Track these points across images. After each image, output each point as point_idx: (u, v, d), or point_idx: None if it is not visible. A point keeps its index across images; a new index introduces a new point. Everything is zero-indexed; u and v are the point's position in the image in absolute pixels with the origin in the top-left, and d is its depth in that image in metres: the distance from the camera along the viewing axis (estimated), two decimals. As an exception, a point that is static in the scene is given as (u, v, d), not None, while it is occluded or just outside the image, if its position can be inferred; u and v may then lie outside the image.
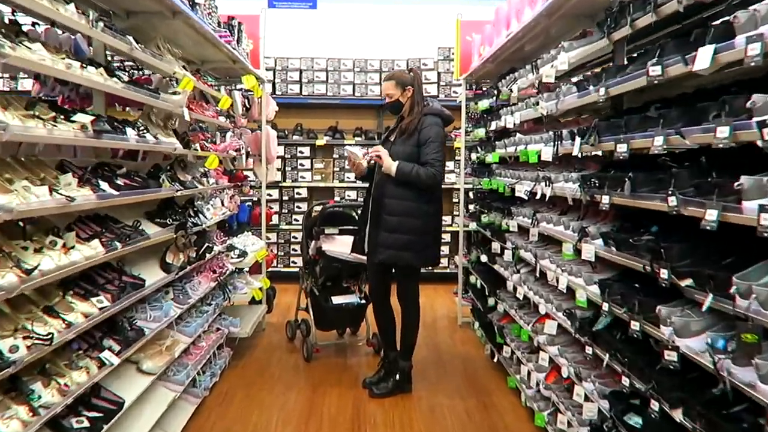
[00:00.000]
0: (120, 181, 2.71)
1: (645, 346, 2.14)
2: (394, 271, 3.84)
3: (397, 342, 3.93)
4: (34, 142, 2.19)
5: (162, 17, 3.21)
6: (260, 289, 4.94)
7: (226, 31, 4.20)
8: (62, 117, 2.18)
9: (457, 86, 6.73)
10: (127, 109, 3.76)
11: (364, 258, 3.94)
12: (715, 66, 1.66)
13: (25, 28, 2.54)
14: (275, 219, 7.21)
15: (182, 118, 3.51)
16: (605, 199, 2.39)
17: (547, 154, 3.15)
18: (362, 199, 4.14)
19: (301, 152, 7.36)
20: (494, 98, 4.62)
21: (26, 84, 5.84)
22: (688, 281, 1.83)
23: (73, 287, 2.34)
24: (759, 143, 1.50)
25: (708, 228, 1.66)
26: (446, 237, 6.99)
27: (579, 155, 2.73)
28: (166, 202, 3.35)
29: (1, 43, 1.73)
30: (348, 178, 7.28)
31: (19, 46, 1.88)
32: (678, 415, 1.87)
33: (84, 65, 2.29)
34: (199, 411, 3.49)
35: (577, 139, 2.69)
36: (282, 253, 7.33)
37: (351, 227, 4.44)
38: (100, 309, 2.32)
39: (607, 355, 2.40)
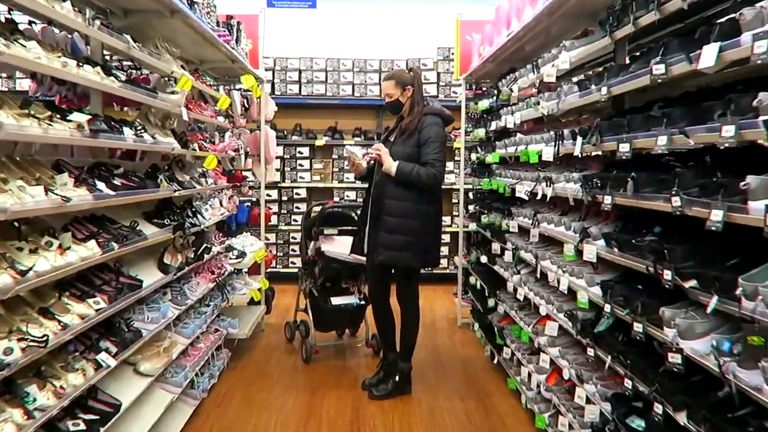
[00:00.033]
0: (117, 181, 2.68)
1: (648, 348, 2.12)
2: (393, 271, 3.81)
3: (397, 343, 3.91)
4: (29, 141, 2.16)
5: (160, 16, 3.18)
6: (259, 289, 4.91)
7: (224, 31, 4.17)
8: (58, 116, 2.15)
9: (457, 86, 6.71)
10: (126, 109, 3.73)
11: (364, 259, 3.92)
12: (721, 64, 1.64)
13: (21, 27, 2.52)
14: (274, 219, 7.18)
15: (180, 118, 3.49)
16: (607, 199, 2.37)
17: (548, 153, 3.12)
18: (361, 200, 4.12)
19: (300, 152, 7.34)
20: (494, 98, 4.60)
21: (24, 84, 5.82)
22: (693, 282, 1.81)
23: (69, 288, 2.31)
24: (766, 143, 1.47)
25: (713, 229, 1.64)
26: (446, 238, 6.97)
27: (580, 155, 2.71)
28: (164, 202, 3.32)
29: (-5, 41, 1.71)
30: (347, 178, 7.26)
31: (13, 44, 1.85)
32: (682, 418, 1.85)
33: (80, 64, 2.26)
34: (197, 413, 3.47)
35: (579, 139, 2.67)
36: (281, 254, 7.31)
37: (350, 228, 4.42)
38: (97, 310, 2.30)
39: (609, 357, 2.38)
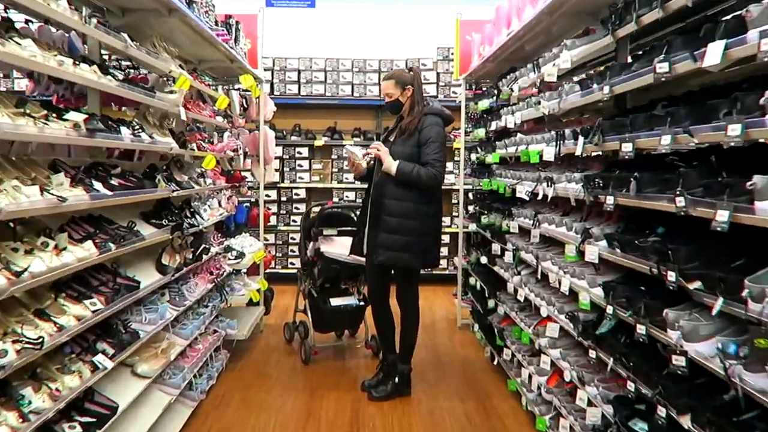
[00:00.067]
0: (114, 181, 2.66)
1: (650, 351, 2.09)
2: (393, 272, 3.79)
3: (396, 344, 3.89)
4: (25, 140, 2.14)
5: (158, 15, 3.16)
6: (258, 290, 4.89)
7: (223, 30, 4.15)
8: (54, 115, 2.13)
9: (457, 86, 6.69)
10: (124, 109, 3.71)
11: (363, 259, 3.90)
12: (726, 62, 1.61)
13: (18, 26, 2.49)
14: (273, 220, 7.16)
15: (179, 118, 3.46)
16: (610, 199, 2.35)
17: (549, 153, 3.10)
18: (361, 200, 4.09)
19: (299, 153, 7.32)
20: (494, 98, 4.58)
21: (23, 84, 5.78)
22: (697, 284, 1.78)
23: (65, 289, 2.28)
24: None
25: (719, 229, 1.61)
26: (445, 238, 6.94)
27: (581, 155, 2.69)
28: (162, 202, 3.30)
29: (-11, 38, 1.69)
30: (347, 179, 7.24)
31: (8, 42, 1.82)
32: (686, 421, 1.82)
33: (77, 62, 2.24)
34: (196, 414, 3.44)
35: (581, 139, 2.64)
36: (280, 255, 7.28)
37: (349, 228, 4.40)
38: (94, 312, 2.27)
39: (612, 359, 2.35)
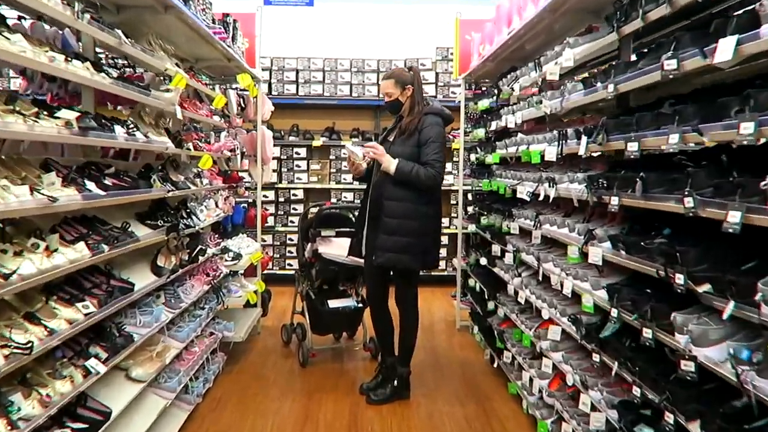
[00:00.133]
0: (108, 181, 2.60)
1: (656, 355, 2.04)
2: (392, 274, 3.74)
3: (395, 346, 3.84)
4: (14, 138, 2.08)
5: (154, 12, 3.11)
6: (255, 292, 4.82)
7: (220, 28, 4.10)
8: (45, 113, 2.07)
9: (456, 86, 6.65)
10: (119, 107, 3.66)
11: (362, 261, 3.85)
12: (738, 58, 1.56)
13: (10, 23, 2.43)
14: (271, 221, 7.11)
15: (175, 117, 3.41)
16: (614, 200, 2.30)
17: (551, 153, 3.05)
18: (359, 201, 4.04)
19: (297, 153, 7.27)
20: (494, 98, 4.54)
21: (17, 83, 5.72)
22: (707, 287, 1.73)
23: (57, 292, 2.23)
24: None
25: (731, 231, 1.56)
26: (444, 239, 6.89)
27: (584, 155, 2.64)
28: (157, 203, 3.24)
29: (-23, 33, 1.63)
30: (345, 179, 7.19)
31: (-3, 37, 1.77)
32: (695, 428, 1.77)
33: (69, 59, 2.18)
34: (192, 418, 3.39)
35: (584, 138, 2.60)
36: (277, 256, 7.23)
37: (348, 229, 4.36)
38: (86, 315, 2.22)
39: (617, 363, 2.30)
